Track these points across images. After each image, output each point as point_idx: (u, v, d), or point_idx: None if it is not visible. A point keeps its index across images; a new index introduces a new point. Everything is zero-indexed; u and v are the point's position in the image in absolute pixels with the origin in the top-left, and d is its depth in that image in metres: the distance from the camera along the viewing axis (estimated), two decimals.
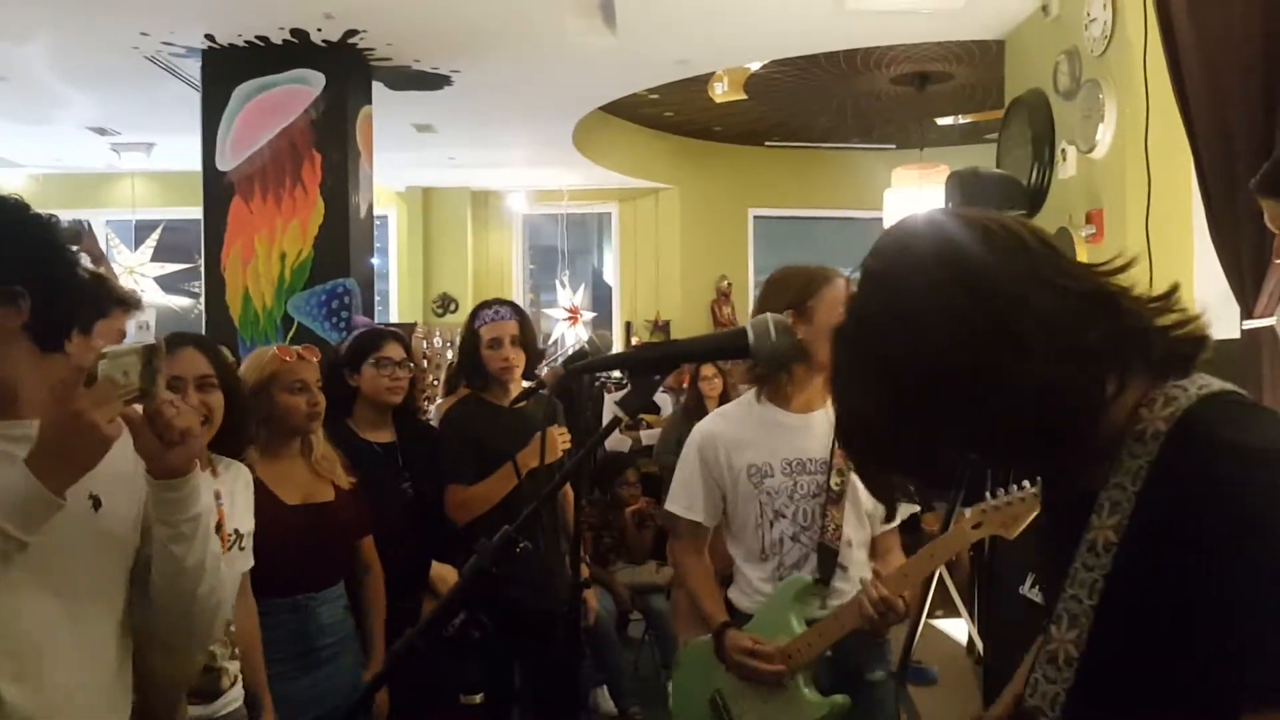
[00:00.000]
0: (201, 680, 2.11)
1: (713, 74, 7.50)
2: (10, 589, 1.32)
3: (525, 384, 3.18)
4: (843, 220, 10.51)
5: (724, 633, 2.29)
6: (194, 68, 6.01)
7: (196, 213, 6.12)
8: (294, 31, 5.56)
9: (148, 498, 1.47)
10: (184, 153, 6.74)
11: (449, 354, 8.65)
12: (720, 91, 8.01)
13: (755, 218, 10.91)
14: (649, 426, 6.91)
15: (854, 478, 2.26)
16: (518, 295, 11.10)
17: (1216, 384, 1.00)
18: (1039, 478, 1.14)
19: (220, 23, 5.49)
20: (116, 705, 1.50)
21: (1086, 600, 0.98)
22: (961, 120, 8.66)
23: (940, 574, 4.40)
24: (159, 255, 9.25)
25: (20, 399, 1.40)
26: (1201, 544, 0.89)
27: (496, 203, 11.23)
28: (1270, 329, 2.98)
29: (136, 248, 9.27)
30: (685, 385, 6.10)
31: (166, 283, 9.44)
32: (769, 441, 2.33)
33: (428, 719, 2.99)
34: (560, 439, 3.08)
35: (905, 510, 2.40)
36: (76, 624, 1.42)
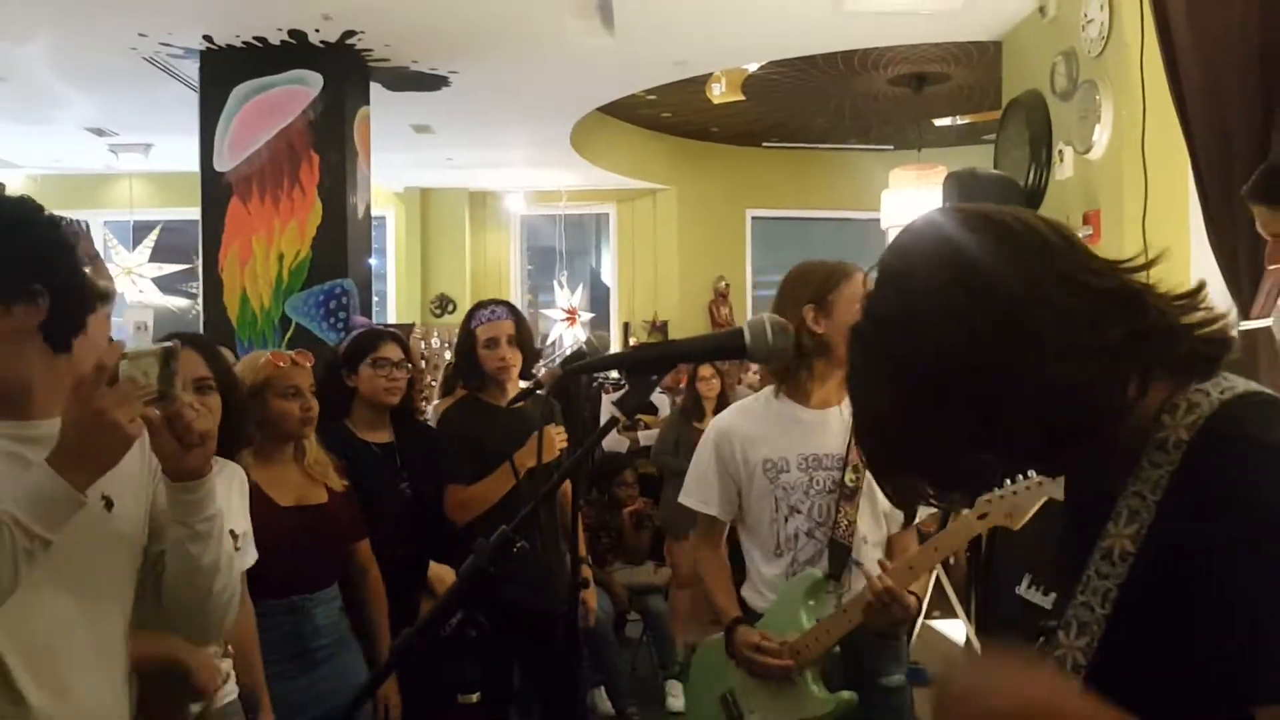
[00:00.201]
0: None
1: (711, 75, 7.51)
2: (31, 589, 1.33)
3: (522, 384, 3.19)
4: (840, 221, 10.52)
5: (735, 628, 2.29)
6: (192, 68, 6.01)
7: (194, 213, 6.12)
8: (292, 32, 5.56)
9: (153, 497, 1.48)
10: (182, 153, 6.74)
11: (447, 354, 8.65)
12: (718, 92, 8.01)
13: (753, 218, 10.92)
14: (646, 427, 6.91)
15: (870, 475, 2.26)
16: (516, 296, 11.10)
17: (1241, 384, 0.98)
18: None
19: (218, 23, 5.49)
20: (122, 705, 1.51)
21: (1099, 609, 0.96)
22: (959, 121, 8.67)
23: (937, 574, 4.41)
24: (157, 256, 9.24)
25: (33, 400, 1.41)
26: (1223, 542, 0.88)
27: (494, 203, 11.24)
28: (1267, 330, 2.98)
29: (134, 248, 9.27)
30: (683, 386, 6.10)
31: (164, 283, 9.44)
32: (786, 437, 2.32)
33: (425, 718, 2.99)
34: (557, 438, 3.09)
35: (924, 511, 2.39)
36: (92, 625, 1.44)
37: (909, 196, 6.93)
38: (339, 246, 5.91)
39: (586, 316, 10.80)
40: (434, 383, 7.51)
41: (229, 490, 2.28)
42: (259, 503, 2.42)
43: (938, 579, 4.49)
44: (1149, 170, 3.64)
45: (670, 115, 9.15)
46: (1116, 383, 0.94)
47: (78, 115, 7.48)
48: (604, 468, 5.54)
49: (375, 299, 7.64)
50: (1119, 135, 3.93)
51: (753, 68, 7.33)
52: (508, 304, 3.37)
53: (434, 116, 7.53)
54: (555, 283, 11.01)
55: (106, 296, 2.49)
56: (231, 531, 2.25)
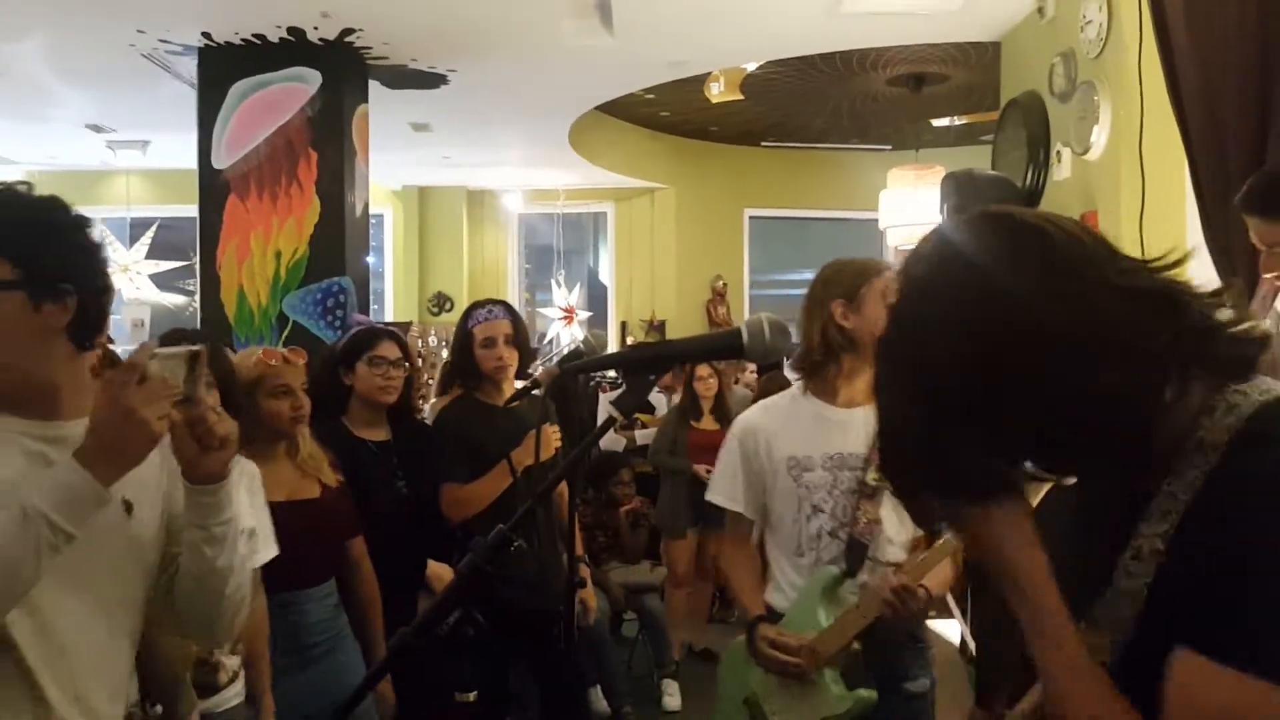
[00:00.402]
0: (197, 673, 2.12)
1: (709, 74, 7.51)
2: (51, 590, 1.34)
3: (519, 384, 3.19)
4: (838, 221, 10.54)
5: (756, 626, 2.27)
6: (190, 65, 6.00)
7: (192, 210, 6.11)
8: (291, 30, 5.56)
9: (166, 499, 1.49)
10: (180, 150, 6.73)
11: (444, 353, 8.64)
12: (716, 92, 8.02)
13: (751, 218, 10.93)
14: (644, 426, 6.91)
15: None
16: (513, 295, 11.11)
17: (1279, 387, 0.96)
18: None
19: (217, 21, 5.49)
20: (122, 706, 1.52)
21: (1127, 610, 0.96)
22: (957, 122, 8.68)
23: None
24: (154, 253, 9.25)
25: (61, 400, 1.42)
26: (1260, 542, 0.86)
27: (492, 202, 11.24)
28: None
29: (131, 245, 9.27)
30: (681, 385, 6.10)
31: (161, 280, 9.44)
32: (811, 435, 2.30)
33: (421, 717, 2.99)
34: (553, 437, 3.09)
35: None
36: (106, 627, 1.45)
37: (907, 197, 6.95)
38: (337, 244, 5.90)
39: (584, 315, 10.81)
40: (431, 381, 7.51)
41: (238, 487, 2.28)
42: None
43: None
44: (1146, 171, 3.64)
45: (669, 115, 9.16)
46: (1155, 385, 0.93)
47: (75, 112, 7.47)
48: (601, 467, 5.54)
49: (373, 297, 7.65)
50: (1117, 136, 3.93)
51: (751, 67, 7.33)
52: (504, 304, 3.38)
53: (432, 115, 7.53)
54: (553, 281, 11.01)
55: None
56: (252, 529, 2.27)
